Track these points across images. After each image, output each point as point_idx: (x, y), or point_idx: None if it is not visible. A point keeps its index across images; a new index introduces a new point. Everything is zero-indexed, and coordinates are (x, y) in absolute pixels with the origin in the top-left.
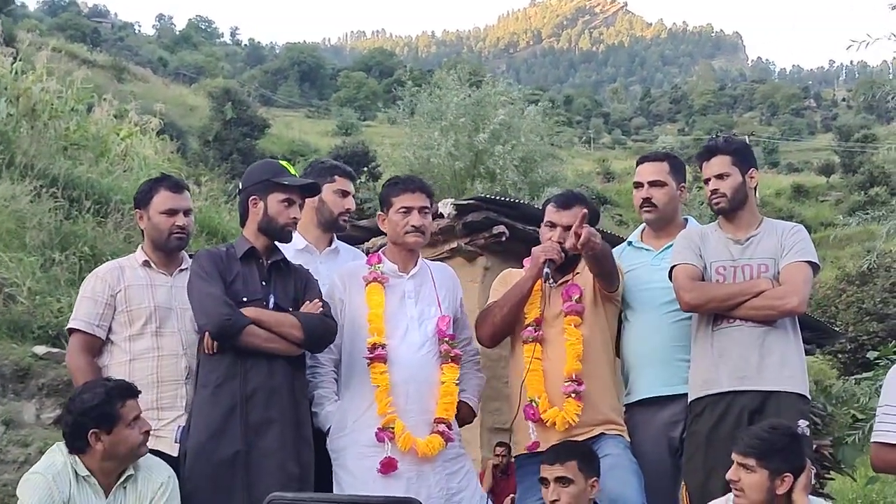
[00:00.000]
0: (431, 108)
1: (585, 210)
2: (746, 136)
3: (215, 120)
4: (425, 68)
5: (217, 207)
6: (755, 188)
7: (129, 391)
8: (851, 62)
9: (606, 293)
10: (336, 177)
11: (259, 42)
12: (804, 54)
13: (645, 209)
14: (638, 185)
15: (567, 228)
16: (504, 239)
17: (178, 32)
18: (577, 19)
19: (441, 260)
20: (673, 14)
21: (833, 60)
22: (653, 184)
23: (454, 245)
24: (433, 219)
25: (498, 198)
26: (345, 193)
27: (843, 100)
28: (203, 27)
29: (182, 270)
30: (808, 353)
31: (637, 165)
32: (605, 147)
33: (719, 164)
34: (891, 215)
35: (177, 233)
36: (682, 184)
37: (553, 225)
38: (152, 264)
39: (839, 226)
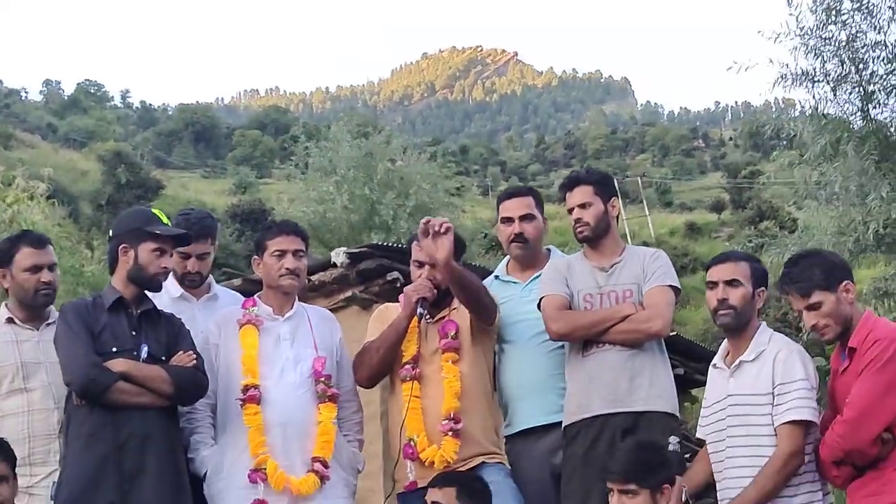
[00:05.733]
0: (324, 162)
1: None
2: (639, 178)
3: (107, 184)
4: (321, 123)
5: None
6: (617, 217)
7: None
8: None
9: (483, 326)
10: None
11: (151, 104)
12: (691, 96)
13: (517, 244)
14: (507, 220)
15: (434, 265)
16: (399, 285)
17: (66, 97)
18: (470, 70)
19: (337, 309)
20: (563, 62)
21: (719, 102)
22: (523, 218)
23: (349, 293)
24: (326, 269)
25: (391, 244)
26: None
27: (731, 139)
28: (92, 91)
29: (49, 324)
30: (702, 383)
31: (501, 202)
32: None
33: (581, 194)
34: (773, 242)
35: (43, 289)
36: (544, 216)
37: (421, 263)
38: (17, 321)
39: None
